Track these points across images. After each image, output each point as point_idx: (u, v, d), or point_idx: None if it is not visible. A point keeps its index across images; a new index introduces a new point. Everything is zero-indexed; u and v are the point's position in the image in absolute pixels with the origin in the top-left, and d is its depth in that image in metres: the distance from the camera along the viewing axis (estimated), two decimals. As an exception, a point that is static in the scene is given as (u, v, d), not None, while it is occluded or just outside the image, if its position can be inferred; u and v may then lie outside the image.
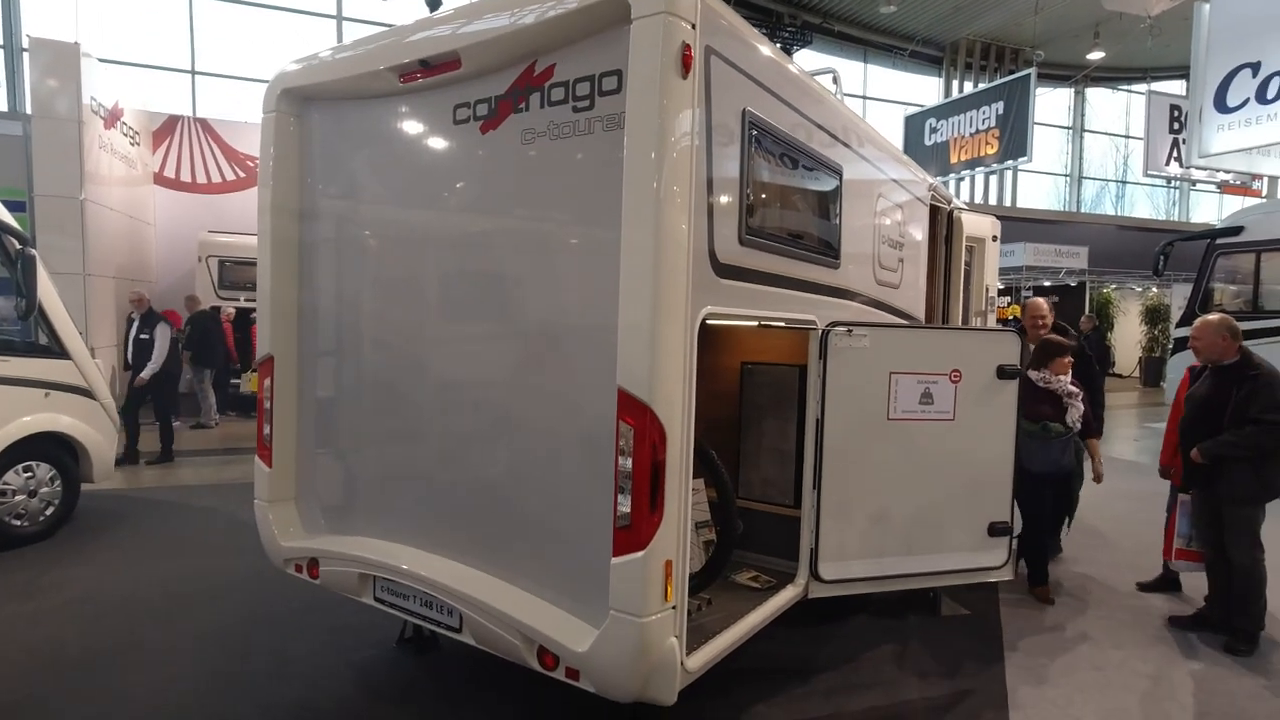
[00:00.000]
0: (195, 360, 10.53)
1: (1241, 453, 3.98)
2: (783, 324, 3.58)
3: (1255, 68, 11.23)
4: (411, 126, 3.25)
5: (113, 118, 11.66)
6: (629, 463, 2.49)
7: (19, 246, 5.44)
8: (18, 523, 5.46)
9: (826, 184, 3.85)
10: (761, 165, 3.18)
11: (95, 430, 6.01)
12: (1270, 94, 11.10)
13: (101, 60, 11.62)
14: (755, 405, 4.41)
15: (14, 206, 6.67)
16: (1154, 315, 19.96)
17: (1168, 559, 4.72)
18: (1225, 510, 4.11)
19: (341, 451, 3.57)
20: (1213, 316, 4.20)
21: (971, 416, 3.95)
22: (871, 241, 4.45)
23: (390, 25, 3.51)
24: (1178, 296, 15.88)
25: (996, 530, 4.06)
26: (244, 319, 11.64)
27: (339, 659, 3.82)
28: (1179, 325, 10.65)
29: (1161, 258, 9.74)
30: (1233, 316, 4.25)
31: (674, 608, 2.58)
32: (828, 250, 3.86)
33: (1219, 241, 9.62)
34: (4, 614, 4.23)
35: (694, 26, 2.51)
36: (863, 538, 3.79)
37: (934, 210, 5.80)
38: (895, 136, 19.66)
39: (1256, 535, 4.09)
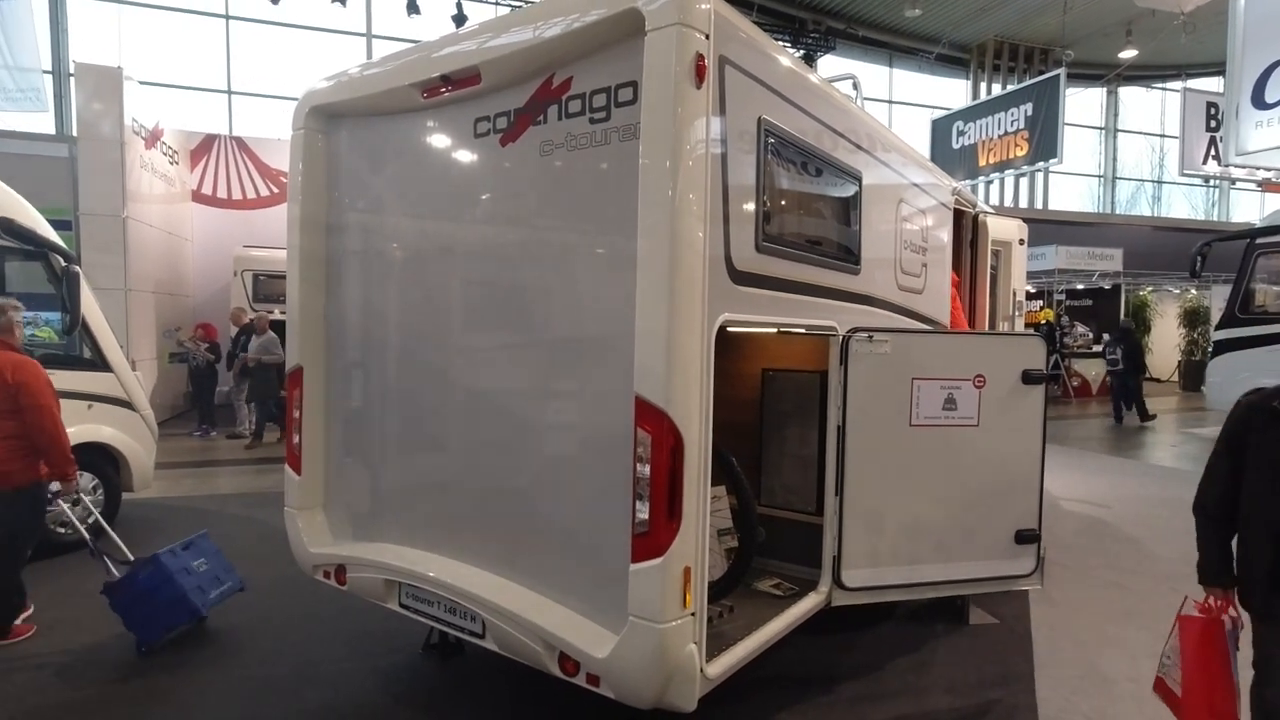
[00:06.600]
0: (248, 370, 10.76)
1: None
2: (803, 330, 3.58)
3: (1294, 62, 10.93)
4: (434, 140, 3.33)
5: (153, 138, 12.07)
6: (647, 469, 2.51)
7: (64, 264, 5.65)
8: (62, 530, 5.64)
9: (846, 190, 3.84)
10: (779, 172, 3.19)
11: (135, 441, 6.20)
12: (1310, 89, 10.79)
13: (143, 83, 12.05)
14: (776, 411, 4.40)
15: (60, 225, 6.93)
16: (1193, 318, 19.43)
17: None
18: None
19: (368, 460, 3.64)
20: None
21: (996, 422, 3.89)
22: (893, 246, 4.42)
23: (418, 41, 3.60)
24: (1217, 298, 15.46)
25: (1024, 538, 3.99)
26: (276, 331, 11.88)
27: (365, 664, 3.88)
28: (1218, 328, 10.35)
29: (1199, 258, 9.49)
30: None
31: (693, 614, 2.59)
32: (848, 256, 3.85)
33: (1259, 241, 9.36)
34: (45, 619, 4.37)
35: (708, 37, 2.54)
36: (886, 545, 3.75)
37: (958, 214, 5.75)
38: (922, 140, 19.46)
39: None
